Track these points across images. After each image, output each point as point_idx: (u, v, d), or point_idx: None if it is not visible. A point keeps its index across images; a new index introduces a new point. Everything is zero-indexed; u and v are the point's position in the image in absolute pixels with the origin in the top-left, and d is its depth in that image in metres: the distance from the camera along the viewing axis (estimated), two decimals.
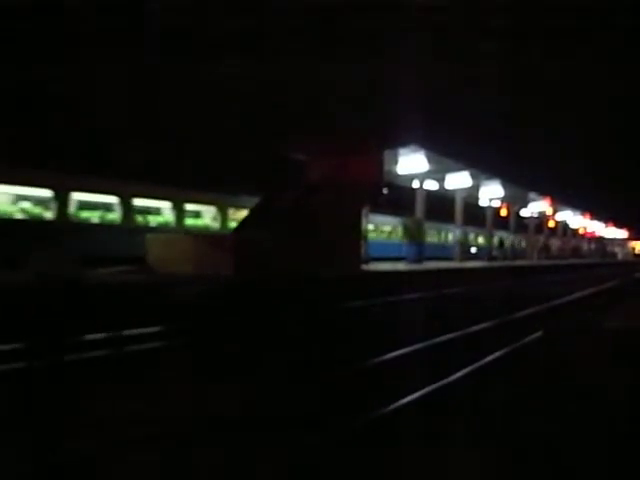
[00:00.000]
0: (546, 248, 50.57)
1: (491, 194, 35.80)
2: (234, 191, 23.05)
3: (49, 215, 17.86)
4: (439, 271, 23.68)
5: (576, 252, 63.15)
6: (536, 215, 47.54)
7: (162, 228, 20.52)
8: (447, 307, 15.12)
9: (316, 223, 17.81)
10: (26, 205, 17.68)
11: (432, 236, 37.41)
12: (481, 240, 43.27)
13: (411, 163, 25.43)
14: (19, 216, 17.40)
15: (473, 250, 39.12)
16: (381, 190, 24.32)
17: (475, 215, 39.60)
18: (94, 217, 19.19)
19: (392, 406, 5.48)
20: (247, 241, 15.81)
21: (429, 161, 25.38)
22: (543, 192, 43.43)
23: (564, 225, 57.27)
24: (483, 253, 38.41)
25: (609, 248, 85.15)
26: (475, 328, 10.48)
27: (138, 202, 20.23)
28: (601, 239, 76.82)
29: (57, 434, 4.89)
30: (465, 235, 36.40)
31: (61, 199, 18.00)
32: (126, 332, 8.89)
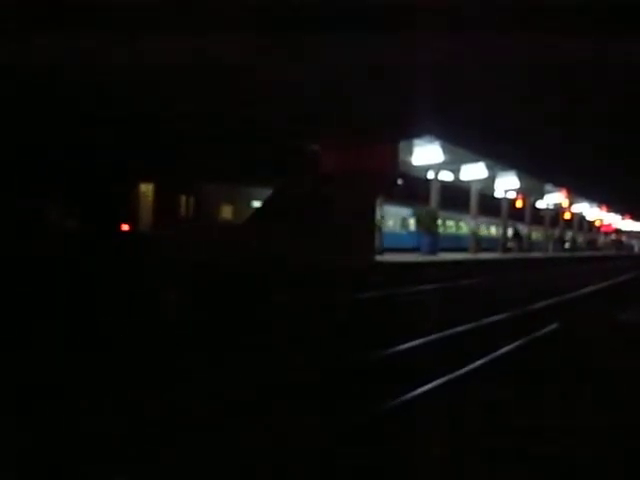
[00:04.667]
0: (561, 240, 50.26)
1: (507, 185, 35.60)
2: None
3: None
4: (453, 262, 23.63)
5: (592, 244, 62.72)
6: (552, 207, 47.20)
7: None
8: (464, 299, 15.08)
9: (330, 213, 17.84)
10: None
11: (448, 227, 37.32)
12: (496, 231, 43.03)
13: (426, 154, 25.27)
14: None
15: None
16: (395, 181, 24.27)
17: (490, 206, 39.37)
18: None
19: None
20: (262, 231, 15.90)
21: (444, 152, 25.23)
22: (559, 184, 43.02)
23: (580, 217, 56.81)
24: (498, 244, 38.21)
25: (625, 241, 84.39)
26: (491, 319, 10.45)
27: None
28: (617, 231, 76.13)
29: None
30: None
31: None
32: None
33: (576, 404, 5.57)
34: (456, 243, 34.78)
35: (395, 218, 32.99)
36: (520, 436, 4.58)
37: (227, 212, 23.28)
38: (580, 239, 59.70)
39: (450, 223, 38.11)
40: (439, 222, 29.15)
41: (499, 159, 30.35)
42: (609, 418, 5.12)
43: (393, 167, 20.89)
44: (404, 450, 4.14)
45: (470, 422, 4.90)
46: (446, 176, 29.15)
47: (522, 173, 34.40)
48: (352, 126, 17.67)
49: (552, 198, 44.74)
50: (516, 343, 8.26)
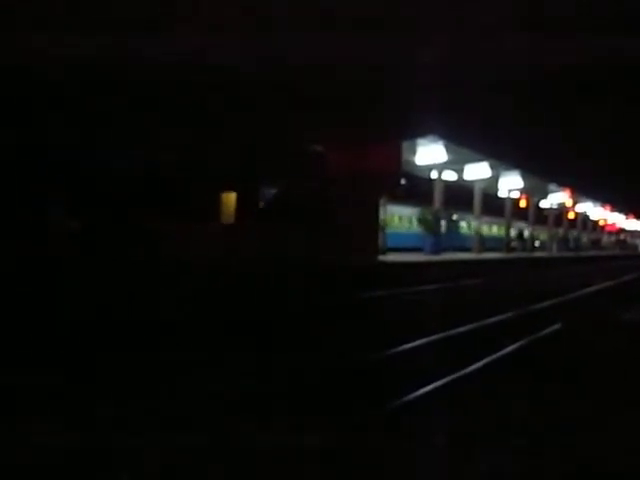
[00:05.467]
0: (565, 240, 50.17)
1: (510, 185, 35.57)
2: None
3: None
4: (456, 262, 23.62)
5: (596, 244, 62.65)
6: (556, 207, 47.11)
7: None
8: (467, 298, 15.11)
9: (333, 213, 17.89)
10: None
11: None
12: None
13: (430, 153, 25.22)
14: None
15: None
16: (399, 181, 24.29)
17: (494, 206, 39.31)
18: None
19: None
20: (268, 230, 16.00)
21: (448, 151, 25.19)
22: (563, 183, 42.94)
23: (584, 217, 56.66)
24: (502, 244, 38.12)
25: (629, 240, 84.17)
26: (494, 319, 10.48)
27: None
28: (621, 231, 75.99)
29: None
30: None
31: None
32: None
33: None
34: (459, 243, 34.70)
35: (400, 218, 32.92)
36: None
37: None
38: (584, 239, 59.58)
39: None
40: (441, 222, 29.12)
41: (502, 159, 30.36)
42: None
43: (397, 167, 20.92)
44: None
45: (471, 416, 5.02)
46: (449, 176, 29.13)
47: (526, 173, 34.39)
48: (356, 127, 17.73)
49: (556, 198, 44.66)
50: (519, 343, 8.31)
